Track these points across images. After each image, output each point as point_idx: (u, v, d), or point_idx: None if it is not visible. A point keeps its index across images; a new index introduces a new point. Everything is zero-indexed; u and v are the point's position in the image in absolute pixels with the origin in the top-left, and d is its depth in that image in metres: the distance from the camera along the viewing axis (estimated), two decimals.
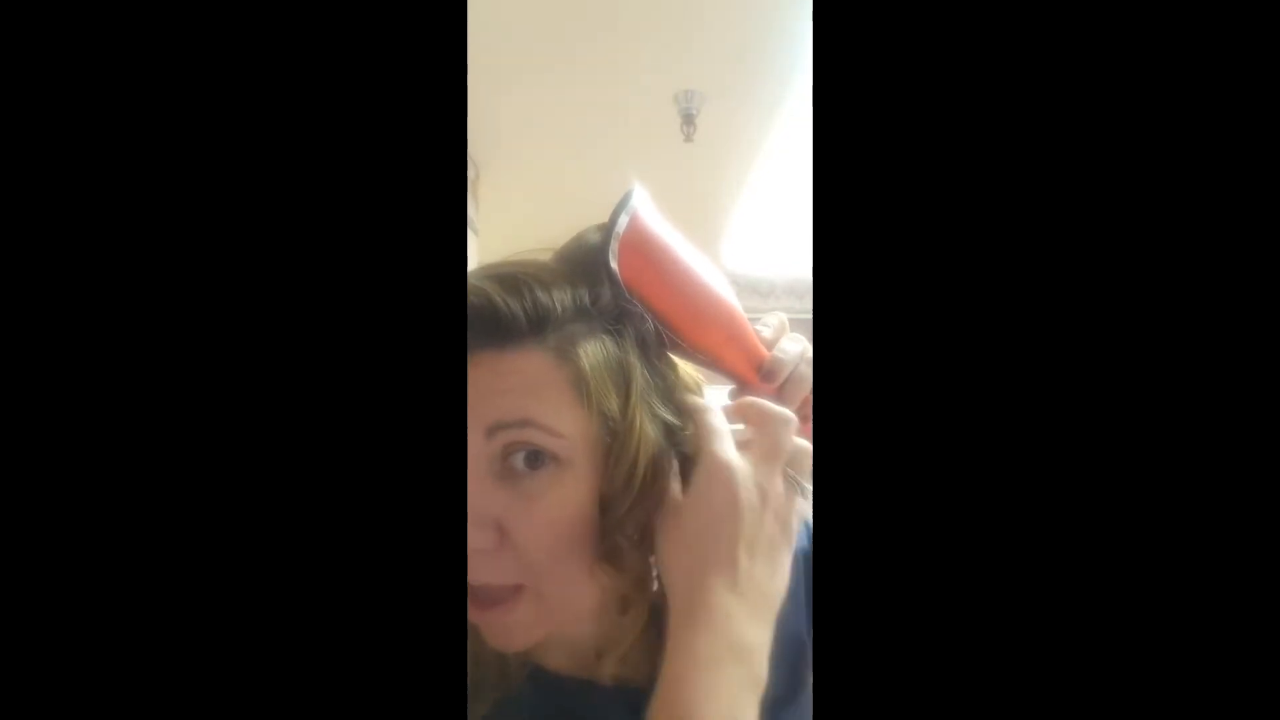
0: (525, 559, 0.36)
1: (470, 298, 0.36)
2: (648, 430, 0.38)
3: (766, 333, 0.44)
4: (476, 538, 0.35)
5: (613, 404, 0.37)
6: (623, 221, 0.39)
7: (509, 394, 0.36)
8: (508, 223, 2.90)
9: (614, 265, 0.39)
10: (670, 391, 0.41)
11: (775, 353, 0.43)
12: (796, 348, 0.43)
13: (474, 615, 0.38)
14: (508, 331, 0.36)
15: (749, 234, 3.03)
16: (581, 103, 2.10)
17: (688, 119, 2.08)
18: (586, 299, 0.38)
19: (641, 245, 0.39)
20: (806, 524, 0.48)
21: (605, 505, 0.38)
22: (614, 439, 0.37)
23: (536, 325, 0.36)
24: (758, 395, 0.43)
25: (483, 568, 0.36)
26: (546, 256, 0.42)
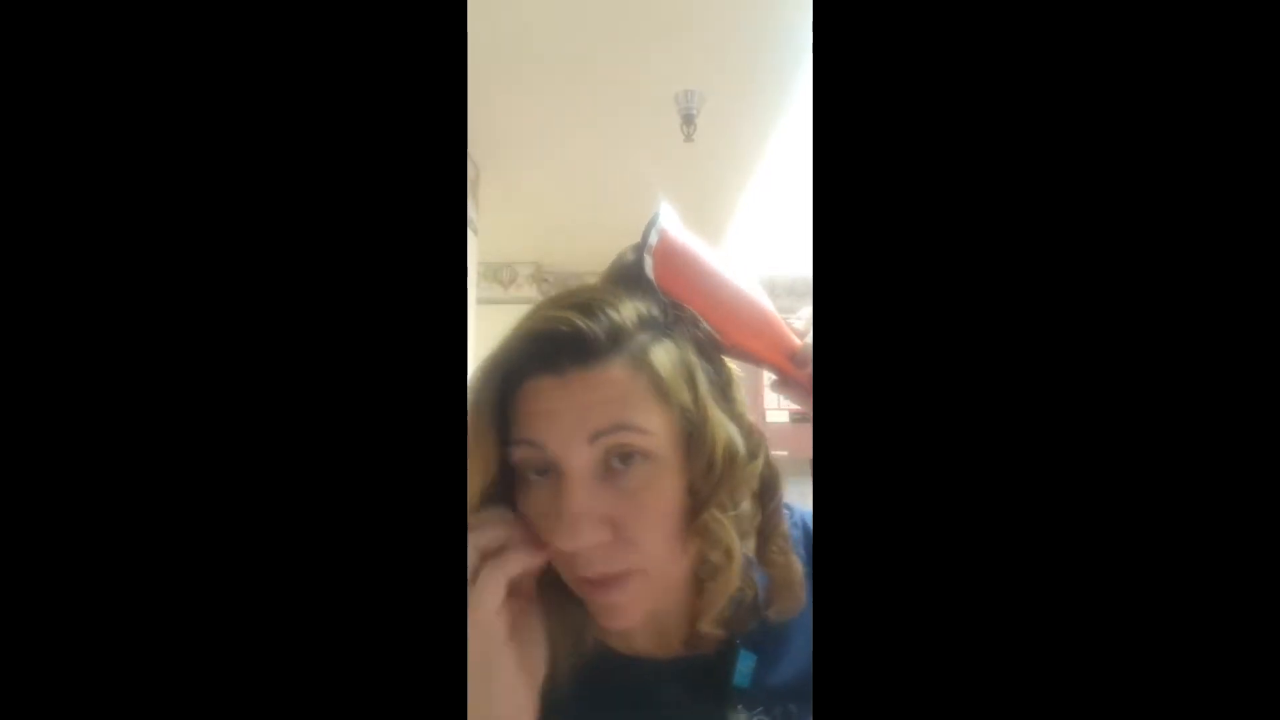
0: (636, 547, 0.41)
1: (559, 326, 0.41)
2: (719, 418, 0.43)
3: (799, 324, 0.48)
4: (594, 534, 0.40)
5: (687, 399, 0.42)
6: (653, 238, 0.44)
7: (604, 404, 0.40)
8: (508, 223, 2.90)
9: (650, 275, 0.44)
10: (725, 386, 0.46)
11: (809, 340, 0.47)
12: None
13: (593, 599, 0.42)
14: (592, 351, 0.41)
15: (749, 233, 3.03)
16: (581, 102, 2.10)
17: (688, 119, 2.08)
18: (651, 310, 0.44)
19: (672, 256, 0.45)
20: (807, 525, 0.51)
21: (693, 489, 0.43)
22: (693, 429, 0.42)
23: (614, 340, 0.41)
24: (793, 382, 0.47)
25: (600, 560, 0.41)
26: (594, 280, 0.47)
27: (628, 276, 0.45)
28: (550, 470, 0.41)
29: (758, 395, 0.52)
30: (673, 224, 0.45)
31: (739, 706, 0.45)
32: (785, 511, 0.50)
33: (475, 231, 2.47)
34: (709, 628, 0.45)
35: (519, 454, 0.42)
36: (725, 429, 0.43)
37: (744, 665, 0.46)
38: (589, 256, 3.59)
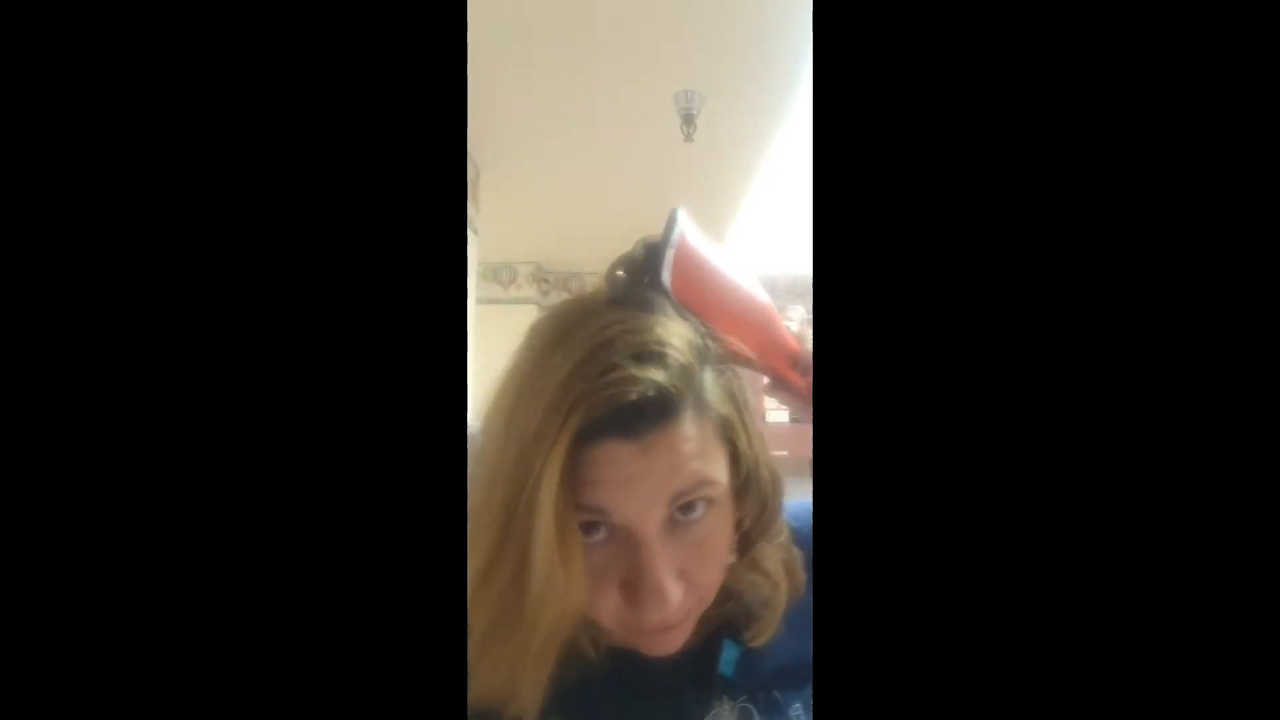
0: (699, 591, 0.41)
1: (646, 392, 0.36)
2: (764, 452, 0.42)
3: (794, 327, 0.47)
4: (676, 594, 0.38)
5: (743, 441, 0.41)
6: (670, 249, 0.42)
7: (685, 463, 0.37)
8: (508, 223, 2.90)
9: (668, 285, 0.42)
10: (747, 401, 0.44)
11: (809, 346, 0.46)
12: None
13: (644, 641, 0.41)
14: (672, 408, 0.37)
15: (749, 233, 3.03)
16: (581, 102, 2.10)
17: (688, 119, 2.08)
18: (693, 335, 0.40)
19: (689, 265, 0.43)
20: (805, 524, 0.51)
21: (741, 524, 0.43)
22: (750, 471, 0.41)
23: (686, 387, 0.38)
24: (793, 387, 0.46)
25: (675, 611, 0.39)
26: (596, 286, 0.44)
27: (637, 274, 0.43)
28: (608, 531, 0.38)
29: (757, 395, 0.51)
30: (690, 231, 0.44)
31: (723, 696, 0.46)
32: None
33: (475, 231, 2.47)
34: (756, 644, 0.46)
35: (578, 518, 0.37)
36: (769, 461, 0.43)
37: (729, 655, 0.46)
38: (589, 256, 3.59)
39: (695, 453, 0.38)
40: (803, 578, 0.48)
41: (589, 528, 0.38)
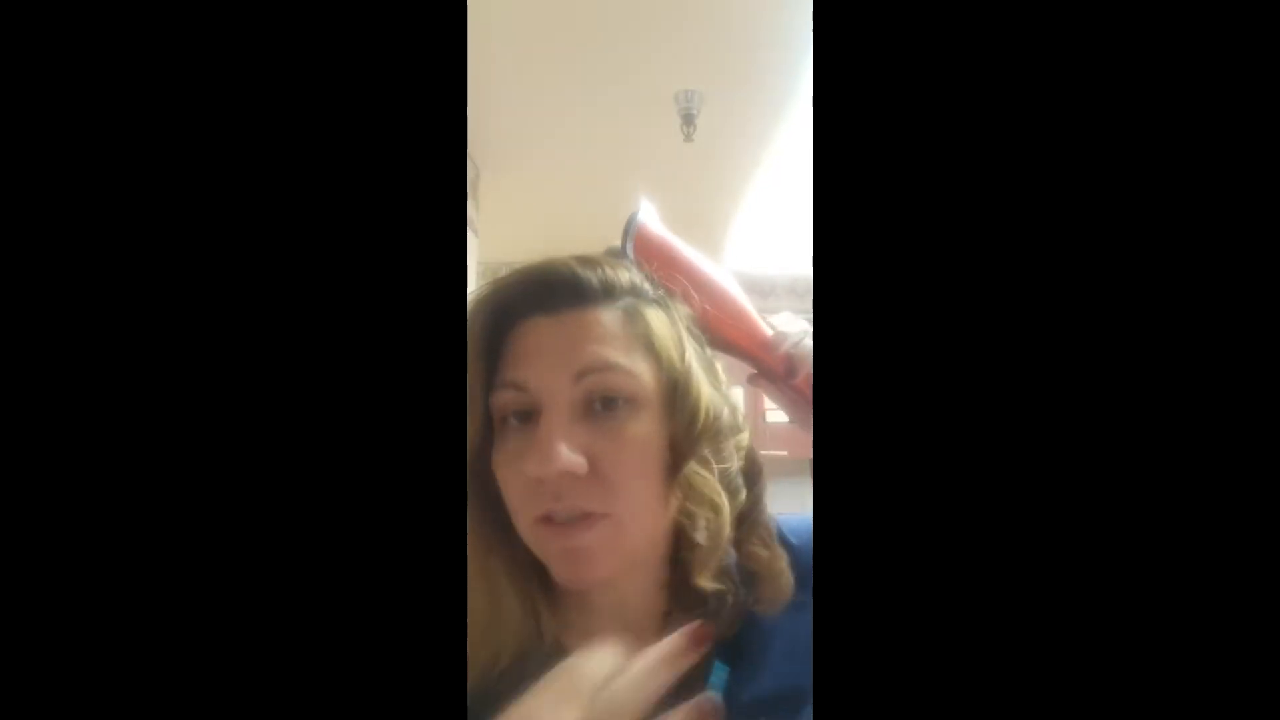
0: (611, 489, 0.40)
1: (558, 269, 0.43)
2: (702, 379, 0.44)
3: (783, 331, 0.50)
4: (569, 459, 0.39)
5: (674, 356, 0.43)
6: (633, 231, 0.47)
7: (594, 343, 0.41)
8: (508, 223, 2.90)
9: (631, 257, 0.47)
10: (709, 368, 0.46)
11: (788, 349, 0.48)
12: (795, 325, 0.50)
13: (555, 544, 0.41)
14: (585, 295, 0.42)
15: (749, 233, 3.03)
16: (581, 102, 2.10)
17: (688, 119, 2.08)
18: (645, 283, 0.45)
19: (651, 246, 0.48)
20: (788, 527, 0.51)
21: (674, 444, 0.43)
22: (676, 385, 0.43)
23: (607, 291, 0.43)
24: (770, 371, 0.49)
25: (573, 492, 0.40)
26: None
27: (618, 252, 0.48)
28: (532, 414, 0.41)
29: (758, 397, 0.54)
30: (651, 219, 0.48)
31: None
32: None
33: (475, 231, 2.47)
34: (706, 583, 0.44)
35: (501, 398, 0.41)
36: (708, 390, 0.44)
37: (716, 678, 0.44)
38: None
39: (606, 337, 0.41)
40: (788, 579, 0.47)
41: (521, 414, 0.41)
